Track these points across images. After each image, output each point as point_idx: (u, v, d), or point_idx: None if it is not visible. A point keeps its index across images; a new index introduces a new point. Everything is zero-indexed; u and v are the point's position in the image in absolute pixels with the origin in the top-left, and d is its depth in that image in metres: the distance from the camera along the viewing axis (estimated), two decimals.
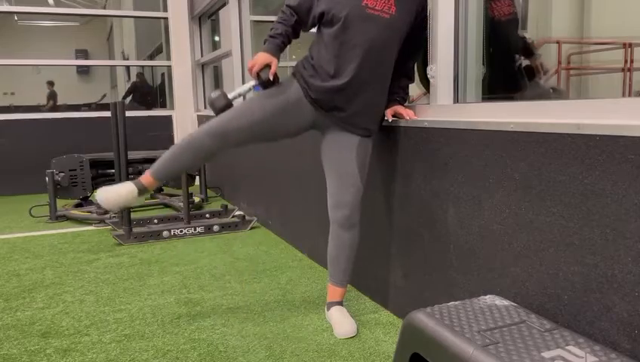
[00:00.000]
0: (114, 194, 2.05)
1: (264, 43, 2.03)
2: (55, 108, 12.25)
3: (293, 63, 2.15)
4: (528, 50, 2.63)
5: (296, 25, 2.05)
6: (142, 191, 2.11)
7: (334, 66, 1.97)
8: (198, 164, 2.13)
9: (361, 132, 2.06)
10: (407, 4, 1.97)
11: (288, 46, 2.10)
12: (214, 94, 2.09)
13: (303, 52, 2.17)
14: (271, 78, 1.99)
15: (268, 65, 2.00)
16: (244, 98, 2.16)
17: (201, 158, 2.10)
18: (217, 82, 6.33)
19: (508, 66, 2.45)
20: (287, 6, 2.04)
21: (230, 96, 2.09)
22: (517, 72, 2.48)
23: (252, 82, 2.08)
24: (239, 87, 2.10)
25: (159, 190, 5.27)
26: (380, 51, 1.97)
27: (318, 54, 2.02)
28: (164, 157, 2.11)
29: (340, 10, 1.92)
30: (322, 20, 1.98)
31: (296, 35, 2.09)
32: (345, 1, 1.92)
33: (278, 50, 2.02)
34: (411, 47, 2.08)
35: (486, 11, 2.24)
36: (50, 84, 13.03)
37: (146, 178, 2.11)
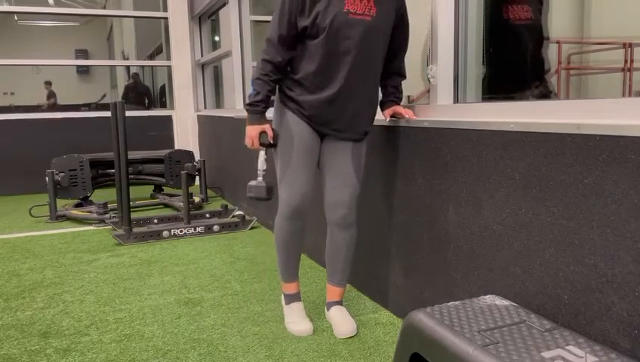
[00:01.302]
0: (298, 322, 2.13)
1: (246, 110, 2.01)
2: (54, 107, 12.25)
3: None
4: (539, 74, 2.60)
5: (278, 78, 2.00)
6: (293, 299, 2.20)
7: (322, 77, 1.94)
8: (301, 245, 2.17)
9: (355, 137, 2.06)
10: (385, 4, 1.95)
11: None
12: (253, 187, 2.10)
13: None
14: (272, 142, 2.03)
15: (263, 132, 2.01)
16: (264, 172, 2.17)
17: (299, 238, 2.13)
18: (217, 82, 6.34)
19: (514, 68, 2.45)
20: (268, 62, 1.95)
21: (260, 178, 2.12)
22: (522, 74, 2.48)
23: (262, 152, 2.11)
24: (259, 165, 2.12)
25: (159, 190, 5.27)
26: (367, 55, 1.95)
27: (302, 68, 1.97)
28: (278, 262, 2.18)
29: (322, 19, 1.88)
30: (305, 33, 1.93)
31: (281, 81, 2.04)
32: (327, 10, 1.88)
33: (263, 117, 2.01)
34: (396, 45, 2.06)
35: (499, 12, 2.24)
36: (48, 84, 13.03)
37: (284, 286, 2.20)
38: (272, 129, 2.05)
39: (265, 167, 2.11)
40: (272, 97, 2.04)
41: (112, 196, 4.98)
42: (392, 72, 2.10)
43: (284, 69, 1.99)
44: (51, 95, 12.92)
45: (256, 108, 1.99)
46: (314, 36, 1.91)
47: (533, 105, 1.57)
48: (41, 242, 3.65)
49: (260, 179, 2.10)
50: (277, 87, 2.05)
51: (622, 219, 1.27)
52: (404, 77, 2.15)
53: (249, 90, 2.14)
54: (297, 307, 2.18)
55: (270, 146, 2.05)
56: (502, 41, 2.28)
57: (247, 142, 2.04)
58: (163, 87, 10.65)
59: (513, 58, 2.42)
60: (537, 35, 2.45)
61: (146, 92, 9.85)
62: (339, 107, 1.98)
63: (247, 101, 2.01)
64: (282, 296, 2.25)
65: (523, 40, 2.43)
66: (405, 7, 2.03)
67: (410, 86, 2.25)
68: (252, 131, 2.01)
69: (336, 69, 1.93)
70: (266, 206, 3.85)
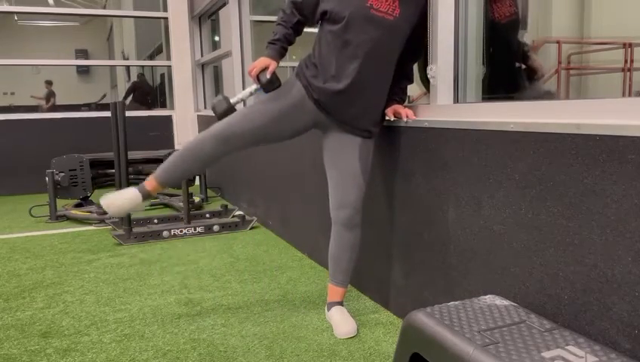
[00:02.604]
0: (118, 201, 2.07)
1: (266, 48, 2.05)
2: (53, 107, 12.24)
3: (293, 64, 2.15)
4: (525, 56, 2.62)
5: (297, 25, 2.06)
6: (146, 196, 2.12)
7: (335, 67, 1.96)
8: (201, 168, 2.14)
9: (362, 133, 2.07)
10: (411, 7, 1.95)
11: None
12: (216, 99, 2.10)
13: (303, 51, 2.17)
14: (268, 76, 2.00)
15: (267, 68, 2.01)
16: (245, 103, 2.16)
17: (204, 163, 2.11)
18: (217, 82, 6.33)
19: (508, 68, 2.44)
20: (291, 2, 2.03)
21: (232, 100, 2.10)
22: (517, 74, 2.47)
23: (254, 86, 2.09)
24: (241, 92, 2.11)
25: None
26: (381, 53, 1.96)
27: (319, 52, 2.01)
28: (168, 161, 2.12)
29: (343, 8, 1.90)
30: (325, 17, 1.97)
31: (298, 34, 2.10)
32: (349, 0, 1.91)
33: (277, 55, 2.04)
34: (412, 49, 2.06)
35: (486, 12, 2.24)
36: (49, 83, 13.02)
37: (150, 183, 2.13)
38: (276, 79, 2.03)
39: (243, 98, 2.10)
40: (292, 40, 2.08)
41: None
42: (401, 74, 2.11)
43: (304, 13, 2.03)
44: (50, 95, 12.91)
45: (274, 45, 2.03)
46: (333, 22, 1.94)
47: (533, 105, 1.57)
48: (41, 242, 3.65)
49: (227, 96, 2.09)
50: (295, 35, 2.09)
51: (622, 219, 1.27)
52: (411, 81, 2.18)
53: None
54: (135, 200, 2.09)
55: (264, 87, 2.02)
56: (493, 42, 2.28)
57: (249, 67, 2.04)
58: (163, 88, 10.66)
59: (504, 58, 2.42)
60: (518, 24, 2.45)
61: (150, 91, 9.88)
62: (347, 100, 1.99)
63: (269, 39, 2.05)
64: (138, 191, 2.13)
65: (511, 37, 2.42)
66: (427, 15, 2.02)
67: (410, 86, 2.25)
68: (260, 61, 2.03)
69: (350, 61, 1.95)
70: (266, 206, 3.85)
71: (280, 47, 2.04)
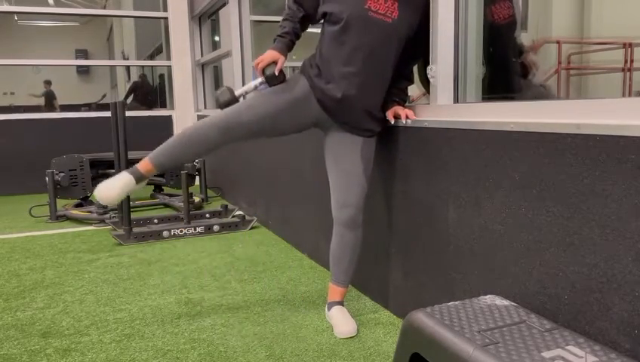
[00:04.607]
0: (110, 187, 2.03)
1: (274, 42, 2.03)
2: (51, 107, 12.24)
3: (295, 63, 2.15)
4: (520, 52, 2.64)
5: (303, 19, 2.05)
6: (139, 178, 2.08)
7: (335, 68, 1.97)
8: (196, 156, 2.11)
9: (364, 133, 2.07)
10: (410, 9, 1.95)
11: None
12: (220, 89, 2.09)
13: (306, 51, 2.17)
14: (276, 73, 1.98)
15: (274, 62, 1.99)
16: (245, 97, 2.15)
17: (201, 151, 2.08)
18: (217, 82, 6.33)
19: (506, 70, 2.45)
20: (292, 4, 2.03)
21: (237, 93, 2.08)
22: (515, 76, 2.48)
23: (258, 79, 2.07)
24: (246, 85, 2.10)
25: (159, 190, 5.27)
26: (380, 55, 1.96)
27: (321, 54, 2.02)
28: (166, 143, 2.08)
29: (342, 10, 1.90)
30: (326, 19, 1.98)
31: (305, 28, 2.09)
32: (348, 2, 1.91)
33: (286, 48, 2.02)
34: (413, 50, 2.06)
35: (485, 12, 2.24)
36: (48, 83, 13.02)
37: (144, 164, 2.08)
38: (282, 74, 2.01)
39: (248, 90, 2.08)
40: (300, 34, 2.07)
41: None
42: (400, 75, 2.11)
43: (306, 11, 2.02)
44: (48, 94, 12.90)
45: (282, 38, 2.02)
46: (332, 23, 1.95)
47: (533, 105, 1.57)
48: (41, 242, 3.65)
49: (231, 87, 2.07)
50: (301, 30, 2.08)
51: (622, 219, 1.27)
52: (411, 82, 2.17)
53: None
54: (129, 185, 2.05)
55: (269, 81, 2.00)
56: (492, 44, 2.29)
57: (256, 60, 2.02)
58: (163, 88, 10.65)
59: (503, 59, 2.43)
60: (515, 25, 2.46)
61: (151, 91, 9.89)
62: (347, 104, 2.00)
63: (277, 33, 2.03)
64: (129, 174, 2.08)
65: (510, 39, 2.43)
66: (429, 17, 2.01)
67: (410, 86, 2.26)
68: (268, 54, 2.00)
69: (348, 64, 1.95)
70: (266, 206, 3.85)
71: (289, 41, 2.02)
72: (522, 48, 2.58)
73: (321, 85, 2.00)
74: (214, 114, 2.07)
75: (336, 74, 1.97)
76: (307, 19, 2.07)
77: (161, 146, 2.09)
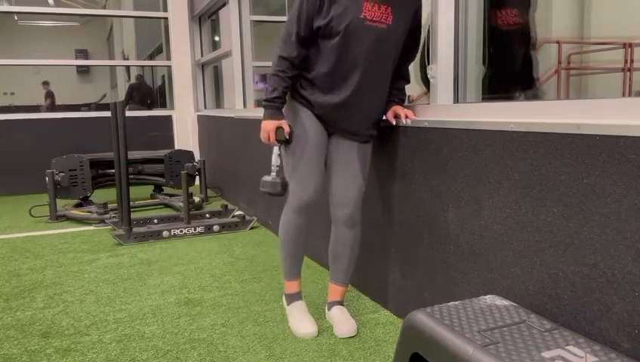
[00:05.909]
0: (302, 323, 2.10)
1: (263, 106, 2.01)
2: (52, 107, 12.25)
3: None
4: (531, 73, 2.62)
5: (294, 75, 2.01)
6: (295, 298, 2.20)
7: (333, 79, 1.96)
8: (305, 238, 2.16)
9: (362, 139, 2.08)
10: (403, 14, 1.95)
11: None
12: (267, 181, 2.10)
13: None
14: (288, 138, 2.02)
15: (280, 128, 2.01)
16: (278, 170, 2.16)
17: (305, 233, 2.13)
18: (217, 82, 6.33)
19: (506, 73, 2.46)
20: (284, 59, 1.95)
21: (273, 175, 2.12)
22: (514, 78, 2.49)
23: (275, 149, 2.12)
24: (273, 161, 2.13)
25: (159, 190, 5.27)
26: (378, 62, 1.96)
27: (315, 68, 1.99)
28: (284, 260, 2.18)
29: (338, 23, 1.89)
30: (319, 33, 1.94)
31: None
32: (344, 14, 1.89)
33: (279, 113, 2.02)
34: (407, 51, 2.07)
35: (489, 18, 2.25)
36: (46, 84, 13.04)
37: (287, 284, 2.20)
38: (288, 125, 2.04)
39: (279, 163, 2.12)
40: (288, 90, 2.04)
41: (112, 196, 4.97)
42: (397, 75, 2.11)
43: (299, 66, 2.00)
44: (49, 95, 12.92)
45: (274, 103, 2.00)
46: (328, 37, 1.93)
47: (533, 105, 1.57)
48: (41, 242, 3.65)
49: (273, 174, 2.10)
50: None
51: (622, 219, 1.27)
52: (408, 81, 2.18)
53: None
54: (299, 306, 2.18)
55: (286, 142, 2.04)
56: (493, 47, 2.29)
57: (263, 136, 2.03)
58: (163, 88, 10.65)
59: (503, 63, 2.44)
60: (526, 37, 2.47)
61: (149, 92, 9.87)
62: (348, 111, 2.01)
63: (265, 97, 2.01)
64: (283, 297, 2.25)
65: (513, 45, 2.44)
66: (421, 19, 2.03)
67: (410, 86, 2.25)
68: (268, 126, 2.01)
69: (348, 73, 1.95)
70: (266, 206, 3.85)
71: (279, 104, 2.01)
72: (534, 69, 2.58)
73: (318, 100, 2.00)
74: (287, 201, 2.10)
75: (335, 84, 1.97)
76: (299, 67, 2.02)
77: (283, 264, 2.19)
